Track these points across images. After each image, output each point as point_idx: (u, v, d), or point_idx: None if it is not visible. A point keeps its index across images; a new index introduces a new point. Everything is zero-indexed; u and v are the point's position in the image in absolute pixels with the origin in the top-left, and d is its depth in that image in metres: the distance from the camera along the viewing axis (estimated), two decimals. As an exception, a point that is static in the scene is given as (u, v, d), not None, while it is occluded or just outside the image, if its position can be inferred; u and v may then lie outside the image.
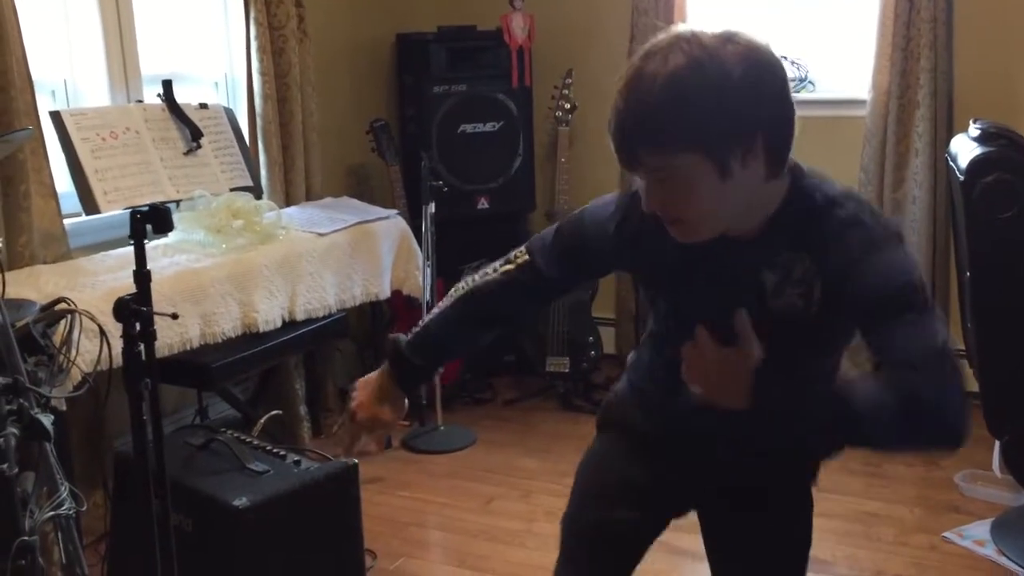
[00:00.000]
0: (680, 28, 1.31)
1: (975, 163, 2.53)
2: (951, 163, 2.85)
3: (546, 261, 1.60)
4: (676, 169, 1.27)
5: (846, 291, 1.34)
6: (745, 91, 1.25)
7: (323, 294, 3.21)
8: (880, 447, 1.52)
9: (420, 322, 1.72)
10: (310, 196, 3.74)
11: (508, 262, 1.64)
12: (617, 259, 1.60)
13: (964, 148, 2.70)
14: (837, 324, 1.43)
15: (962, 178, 2.58)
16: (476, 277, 1.66)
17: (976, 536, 2.87)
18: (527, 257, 1.62)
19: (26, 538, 1.71)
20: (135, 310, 1.64)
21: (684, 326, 1.39)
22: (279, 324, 3.06)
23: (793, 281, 1.39)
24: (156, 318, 1.78)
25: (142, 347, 1.67)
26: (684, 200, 1.31)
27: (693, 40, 1.26)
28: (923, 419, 1.27)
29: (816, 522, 2.99)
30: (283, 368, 3.56)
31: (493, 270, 1.65)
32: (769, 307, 1.40)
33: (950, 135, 3.50)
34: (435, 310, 1.70)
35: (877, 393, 1.29)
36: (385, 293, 3.51)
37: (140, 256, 1.67)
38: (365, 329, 3.96)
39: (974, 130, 2.75)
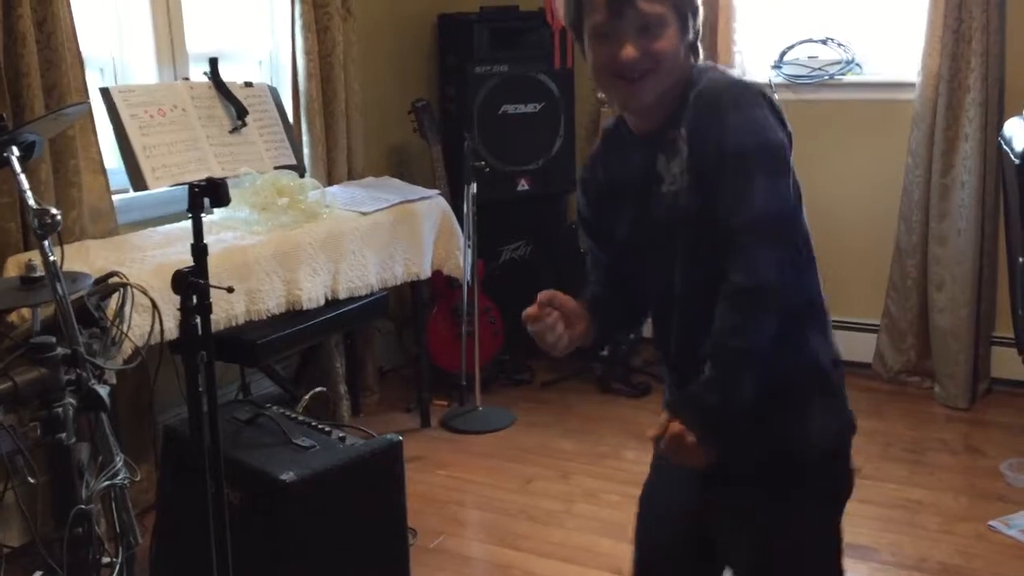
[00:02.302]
0: None
1: (1032, 147, 2.48)
2: (1005, 147, 2.81)
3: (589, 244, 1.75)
4: (658, 16, 1.47)
5: (701, 154, 1.45)
6: None
7: (365, 273, 3.22)
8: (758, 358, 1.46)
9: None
10: (352, 175, 3.75)
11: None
12: (590, 210, 1.70)
13: (1020, 131, 2.65)
14: (707, 202, 1.46)
15: (1017, 162, 2.54)
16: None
17: (1023, 525, 2.83)
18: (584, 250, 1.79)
19: (83, 506, 1.74)
20: (193, 282, 1.65)
21: (630, 256, 1.61)
22: (322, 302, 3.07)
23: (674, 159, 1.49)
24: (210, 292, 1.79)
25: (198, 320, 1.68)
26: (665, 46, 1.47)
27: None
28: (765, 298, 1.42)
29: (858, 508, 2.97)
30: (324, 346, 3.59)
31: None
32: (664, 194, 1.51)
33: (1001, 120, 3.44)
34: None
35: (732, 317, 1.43)
36: (426, 273, 3.52)
37: (198, 230, 1.68)
38: (405, 309, 3.97)
39: (1030, 113, 2.70)
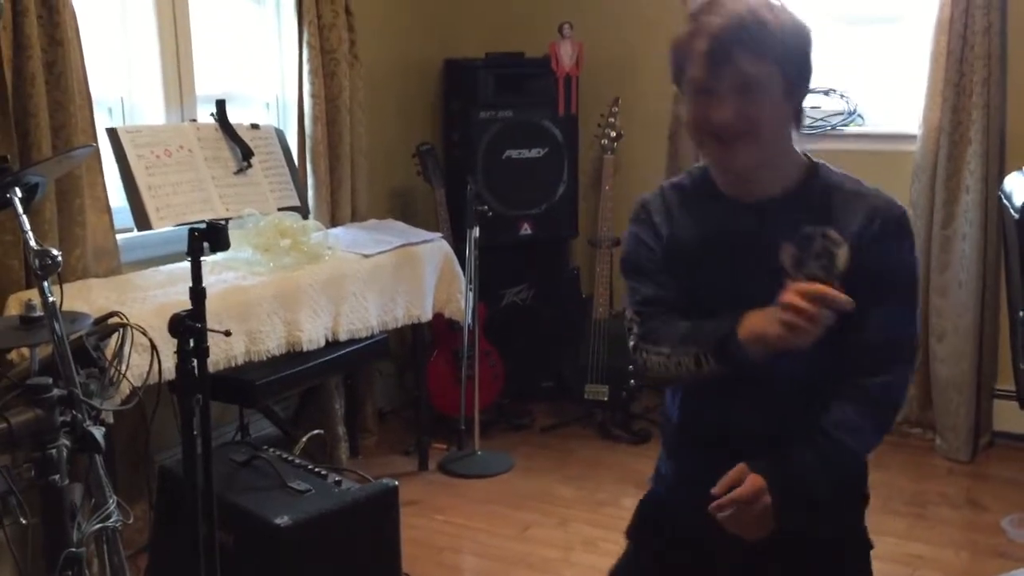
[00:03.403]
0: None
1: (1031, 202, 2.49)
2: (1005, 201, 2.81)
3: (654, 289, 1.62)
4: (759, 76, 1.42)
5: (862, 263, 1.43)
6: (812, 47, 1.50)
7: (366, 315, 3.23)
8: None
9: None
10: (356, 217, 3.78)
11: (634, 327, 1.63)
12: (659, 260, 1.62)
13: (1019, 186, 2.66)
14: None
15: (1017, 216, 2.54)
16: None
17: (1024, 582, 2.80)
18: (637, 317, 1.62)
19: (74, 549, 1.73)
20: (190, 326, 1.65)
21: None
22: (322, 344, 3.07)
23: (814, 254, 1.44)
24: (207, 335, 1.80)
25: (195, 363, 1.68)
26: (756, 107, 1.43)
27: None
28: (890, 416, 1.53)
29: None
30: (323, 388, 3.58)
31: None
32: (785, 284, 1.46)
33: (1002, 172, 3.46)
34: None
35: (855, 418, 1.47)
36: (427, 316, 3.52)
37: (196, 273, 1.69)
38: (406, 351, 3.97)
39: (1030, 168, 2.72)
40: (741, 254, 1.50)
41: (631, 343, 1.62)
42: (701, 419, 1.62)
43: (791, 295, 1.35)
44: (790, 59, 1.44)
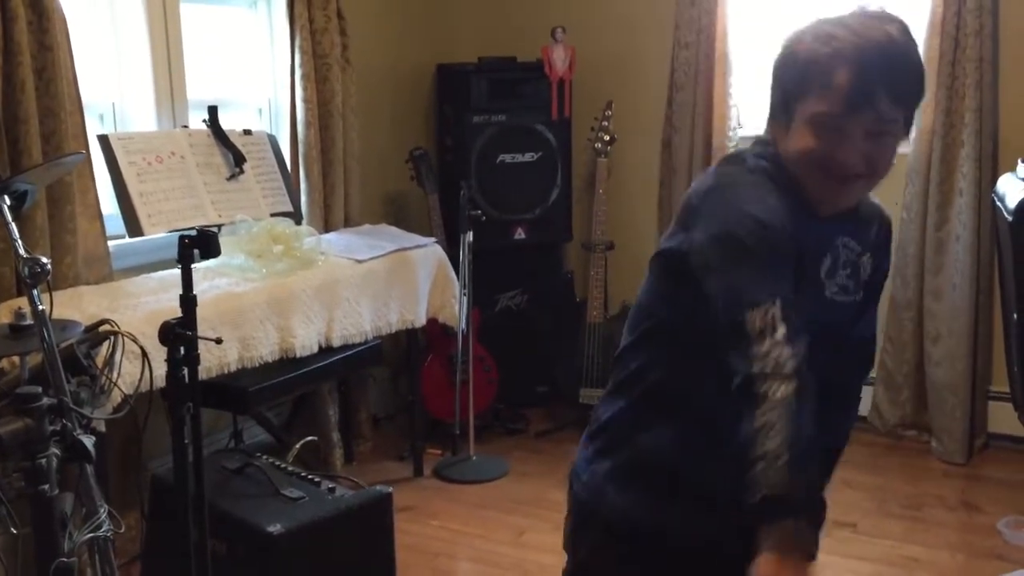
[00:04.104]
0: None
1: (1024, 204, 2.48)
2: (998, 203, 2.81)
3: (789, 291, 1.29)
4: (892, 123, 1.34)
5: (876, 269, 1.49)
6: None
7: (359, 320, 3.22)
8: None
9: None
10: (349, 223, 3.77)
11: (781, 327, 1.22)
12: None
13: (1012, 188, 2.66)
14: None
15: (1010, 218, 2.54)
16: (788, 365, 1.20)
17: (1020, 585, 2.80)
18: (780, 308, 1.23)
19: (65, 559, 1.71)
20: (180, 334, 1.64)
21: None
22: (316, 350, 3.06)
23: (842, 263, 1.43)
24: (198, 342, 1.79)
25: (185, 371, 1.67)
26: (885, 155, 1.36)
27: (900, 22, 1.36)
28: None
29: (856, 565, 2.94)
30: (317, 394, 3.57)
31: (786, 346, 1.21)
32: (829, 299, 1.42)
33: (995, 175, 3.46)
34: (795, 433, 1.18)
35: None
36: (421, 321, 3.51)
37: (187, 280, 1.68)
38: (399, 357, 3.96)
39: (1023, 169, 2.71)
40: (807, 274, 1.39)
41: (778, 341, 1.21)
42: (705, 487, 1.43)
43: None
44: (917, 101, 1.37)
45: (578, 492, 1.61)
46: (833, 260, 1.43)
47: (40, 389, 1.74)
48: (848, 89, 1.29)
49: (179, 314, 1.72)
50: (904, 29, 1.34)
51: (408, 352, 3.72)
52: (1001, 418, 3.68)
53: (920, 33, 3.59)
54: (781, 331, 1.20)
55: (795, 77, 1.34)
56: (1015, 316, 2.62)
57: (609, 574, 1.57)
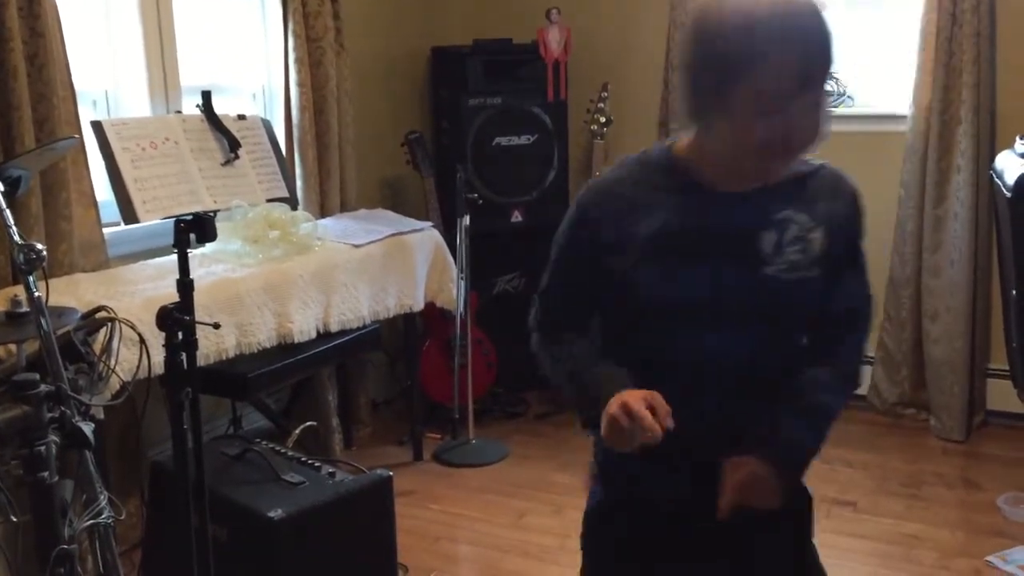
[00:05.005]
0: None
1: (1023, 179, 2.48)
2: (997, 179, 2.81)
3: None
4: (828, 95, 1.39)
5: (837, 241, 1.47)
6: None
7: (357, 305, 3.21)
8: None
9: None
10: (345, 208, 3.75)
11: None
12: (601, 255, 1.49)
13: (1011, 164, 2.65)
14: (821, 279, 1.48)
15: (1009, 195, 2.54)
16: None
17: (1021, 560, 2.80)
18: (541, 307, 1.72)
19: (65, 546, 1.71)
20: (178, 319, 1.63)
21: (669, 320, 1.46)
22: (313, 335, 3.05)
23: (790, 239, 1.44)
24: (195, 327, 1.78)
25: (184, 356, 1.66)
26: (824, 123, 1.38)
27: None
28: (859, 374, 1.58)
29: (856, 544, 2.95)
30: (316, 379, 3.56)
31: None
32: (773, 277, 1.43)
33: (993, 152, 3.46)
34: None
35: (831, 382, 1.51)
36: (419, 305, 3.50)
37: (183, 265, 1.67)
38: (398, 341, 3.95)
39: (1021, 146, 2.71)
40: (719, 245, 1.43)
41: (532, 325, 1.65)
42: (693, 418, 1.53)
43: (614, 405, 1.34)
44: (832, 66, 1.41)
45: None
46: (779, 235, 1.43)
47: (37, 376, 1.73)
48: (798, 73, 1.31)
49: (176, 299, 1.71)
50: (823, 4, 1.37)
51: (406, 336, 3.71)
52: (1000, 395, 3.69)
53: (917, 9, 3.57)
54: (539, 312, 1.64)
55: (731, 63, 1.31)
56: (1014, 293, 2.62)
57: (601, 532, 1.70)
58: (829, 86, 1.39)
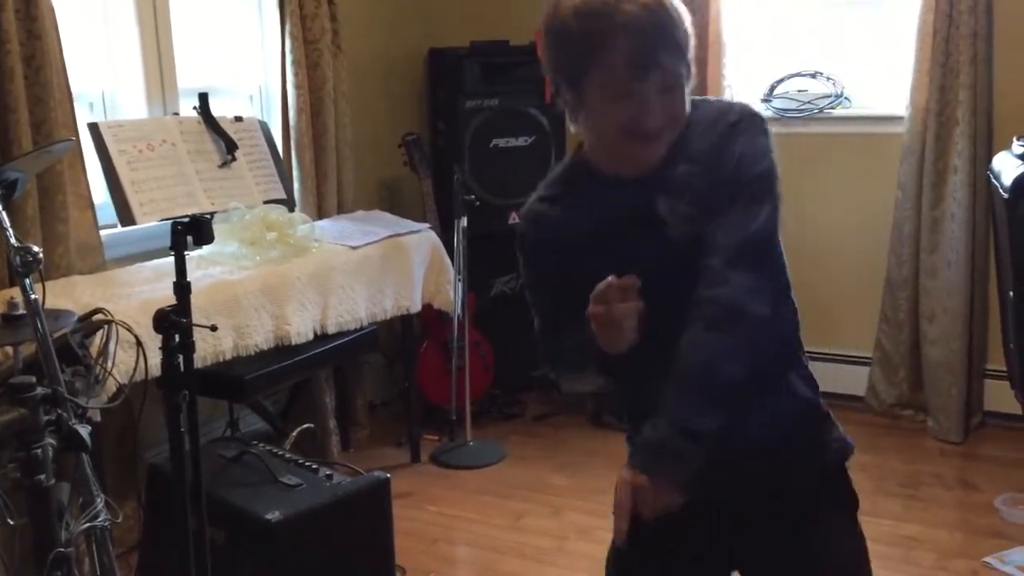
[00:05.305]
0: None
1: (1020, 180, 2.49)
2: (994, 180, 2.81)
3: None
4: (678, 75, 1.39)
5: (719, 175, 1.40)
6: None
7: (355, 307, 3.20)
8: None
9: None
10: (342, 209, 3.75)
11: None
12: (557, 260, 1.53)
13: (1008, 165, 2.66)
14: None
15: (1006, 196, 2.54)
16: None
17: (1018, 561, 2.80)
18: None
19: (62, 549, 1.71)
20: (175, 321, 1.63)
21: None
22: (311, 337, 3.05)
23: (680, 195, 1.42)
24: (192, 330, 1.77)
25: (181, 359, 1.66)
26: (682, 104, 1.40)
27: None
28: (748, 323, 1.36)
29: (854, 545, 2.92)
30: (313, 381, 3.56)
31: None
32: (673, 238, 1.41)
33: (990, 153, 3.45)
34: None
35: (706, 336, 1.36)
36: (416, 307, 3.50)
37: (180, 267, 1.67)
38: (395, 343, 3.95)
39: (1018, 147, 2.71)
40: (637, 229, 1.45)
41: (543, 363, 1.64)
42: (636, 403, 1.57)
43: (592, 301, 1.35)
44: (690, 43, 1.40)
45: None
46: (673, 196, 1.42)
47: (34, 379, 1.72)
48: (632, 54, 1.34)
49: (173, 302, 1.71)
50: None
51: (404, 338, 3.71)
52: (997, 396, 3.69)
53: (914, 10, 3.58)
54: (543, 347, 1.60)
55: (574, 57, 1.38)
56: (1011, 294, 2.63)
57: None
58: (682, 66, 1.39)
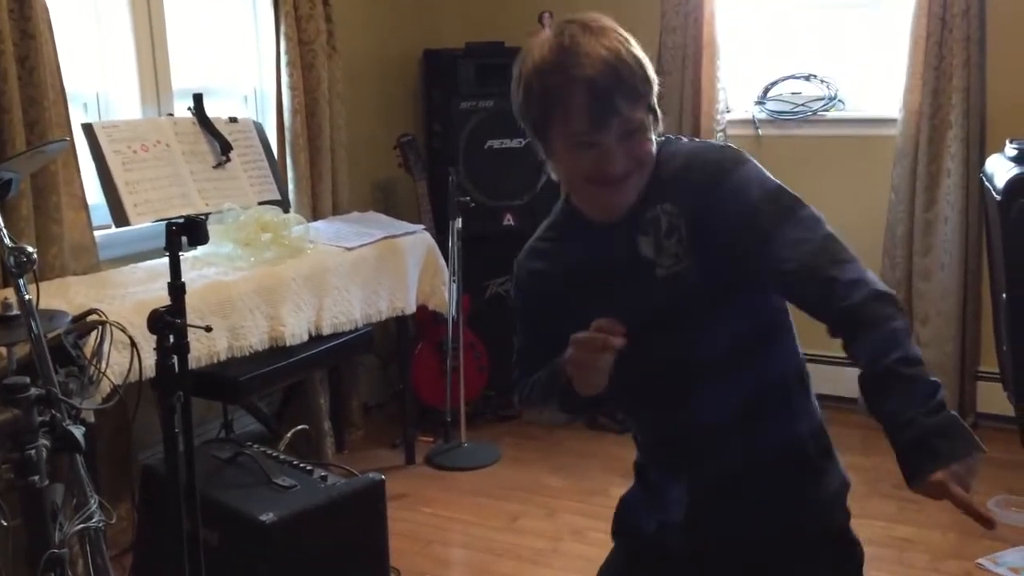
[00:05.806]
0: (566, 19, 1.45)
1: (1013, 183, 2.50)
2: (987, 183, 2.82)
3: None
4: (639, 121, 1.40)
5: (714, 222, 1.41)
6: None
7: (349, 308, 3.20)
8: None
9: None
10: (337, 210, 3.75)
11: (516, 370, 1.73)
12: (545, 305, 1.59)
13: (1001, 168, 2.67)
14: (723, 268, 1.42)
15: (999, 198, 2.55)
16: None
17: (1011, 563, 2.81)
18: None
19: (56, 550, 1.70)
20: (169, 322, 1.63)
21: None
22: (306, 338, 3.05)
23: (665, 233, 1.44)
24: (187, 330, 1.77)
25: (175, 360, 1.66)
26: (644, 148, 1.42)
27: (599, 25, 1.43)
28: (890, 301, 1.36)
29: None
30: (308, 383, 3.56)
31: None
32: (663, 278, 1.44)
33: (983, 155, 3.47)
34: None
35: (883, 335, 1.35)
36: (411, 308, 3.50)
37: (175, 268, 1.66)
38: (390, 345, 3.95)
39: (1011, 150, 2.72)
40: (624, 270, 1.47)
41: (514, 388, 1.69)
42: (650, 444, 1.67)
43: (571, 346, 1.39)
44: (651, 89, 1.42)
45: None
46: (655, 234, 1.44)
47: (28, 379, 1.72)
48: (589, 104, 1.36)
49: (168, 303, 1.71)
50: (620, 38, 1.40)
51: (398, 340, 3.71)
52: (990, 398, 3.69)
53: (908, 13, 3.59)
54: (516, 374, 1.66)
55: (538, 110, 1.42)
56: (1004, 296, 2.64)
57: None
58: (643, 112, 1.40)
